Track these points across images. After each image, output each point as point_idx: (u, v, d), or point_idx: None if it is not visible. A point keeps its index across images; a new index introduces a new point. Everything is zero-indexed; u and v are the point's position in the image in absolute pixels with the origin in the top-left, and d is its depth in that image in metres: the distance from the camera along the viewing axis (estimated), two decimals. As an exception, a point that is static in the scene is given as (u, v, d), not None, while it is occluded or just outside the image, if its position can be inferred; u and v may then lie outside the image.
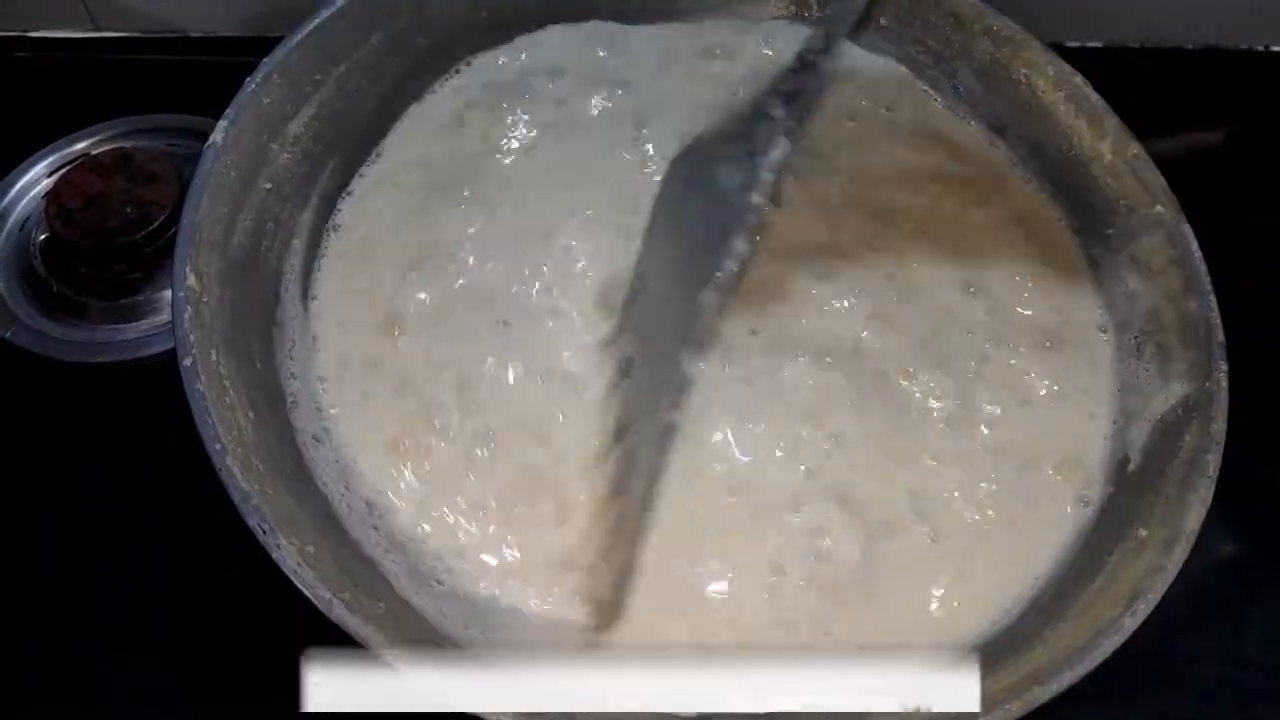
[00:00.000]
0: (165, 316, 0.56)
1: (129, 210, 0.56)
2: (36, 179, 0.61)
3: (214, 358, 0.40)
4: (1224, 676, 0.52)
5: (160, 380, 0.55)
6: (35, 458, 0.55)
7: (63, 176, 0.58)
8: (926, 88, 0.56)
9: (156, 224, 0.56)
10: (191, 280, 0.40)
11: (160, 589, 0.52)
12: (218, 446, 0.37)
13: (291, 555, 0.36)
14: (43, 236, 0.58)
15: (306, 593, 0.35)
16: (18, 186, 0.60)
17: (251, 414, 0.40)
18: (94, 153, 0.59)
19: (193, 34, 0.70)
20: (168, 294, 0.55)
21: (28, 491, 0.54)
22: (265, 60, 0.46)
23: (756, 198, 0.39)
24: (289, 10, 0.47)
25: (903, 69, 0.56)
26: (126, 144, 0.61)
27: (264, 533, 0.36)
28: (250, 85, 0.45)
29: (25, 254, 0.58)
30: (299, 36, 0.47)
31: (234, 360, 0.41)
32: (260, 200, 0.46)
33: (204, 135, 0.59)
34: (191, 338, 0.39)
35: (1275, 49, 0.72)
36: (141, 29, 0.69)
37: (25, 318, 0.56)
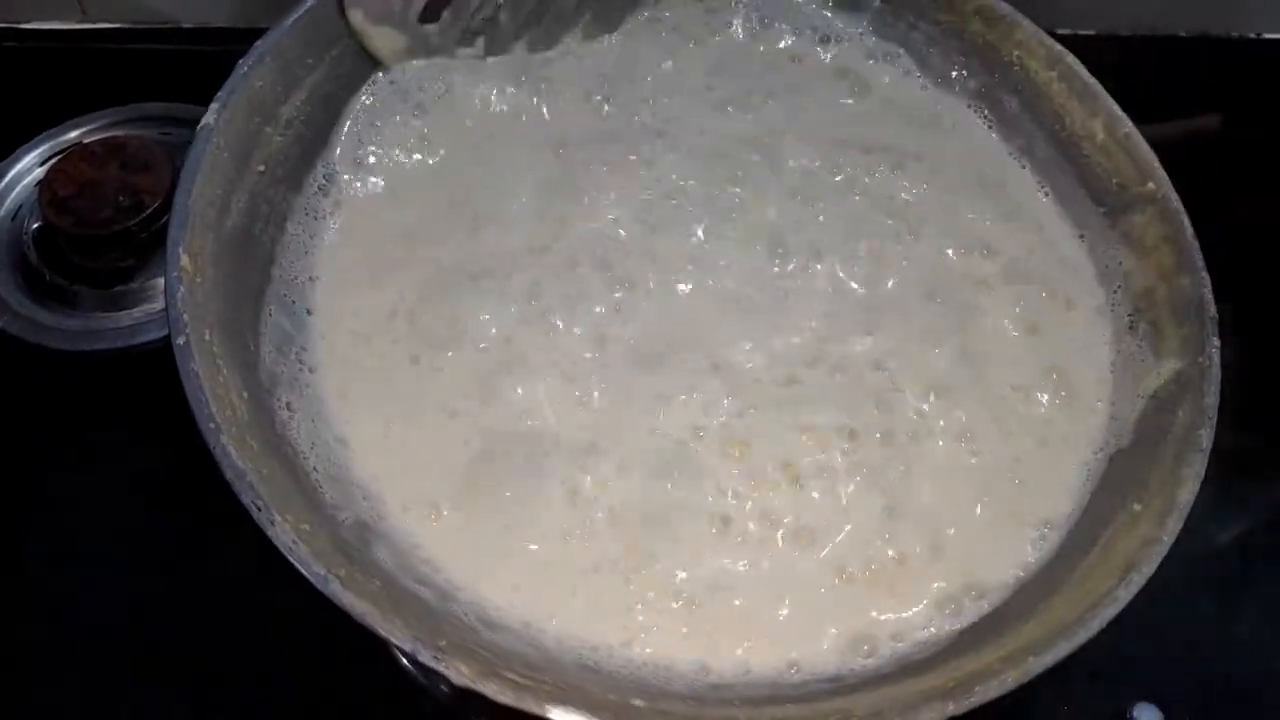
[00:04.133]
0: (158, 304, 0.56)
1: (122, 198, 0.56)
2: (29, 168, 0.61)
3: (207, 338, 0.40)
4: (1218, 656, 0.52)
5: (154, 368, 0.55)
6: (28, 446, 0.55)
7: (55, 165, 0.58)
8: (917, 73, 0.56)
9: (149, 212, 0.56)
10: (185, 261, 0.40)
11: (155, 576, 0.52)
12: (211, 425, 0.37)
13: (286, 532, 0.35)
14: (35, 225, 0.58)
15: (301, 570, 0.35)
16: (10, 175, 0.61)
17: (245, 394, 0.40)
18: (86, 141, 0.59)
19: (185, 24, 0.70)
20: (160, 282, 0.56)
21: (19, 479, 0.54)
22: (258, 43, 0.46)
23: None
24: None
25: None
26: (119, 133, 0.61)
27: (258, 510, 0.36)
28: (243, 67, 0.45)
29: (18, 243, 0.58)
30: (292, 19, 0.47)
31: (228, 341, 0.41)
32: (253, 182, 0.46)
33: (197, 124, 0.61)
34: (185, 317, 0.39)
35: (1267, 36, 0.73)
36: (134, 20, 0.70)
37: (18, 306, 0.56)
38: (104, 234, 0.56)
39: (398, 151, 0.51)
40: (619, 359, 0.46)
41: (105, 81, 0.66)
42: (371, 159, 0.51)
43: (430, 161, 0.51)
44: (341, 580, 0.35)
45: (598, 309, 0.47)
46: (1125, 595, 0.38)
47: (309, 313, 0.47)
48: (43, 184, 0.57)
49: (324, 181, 0.50)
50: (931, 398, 0.47)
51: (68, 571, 0.52)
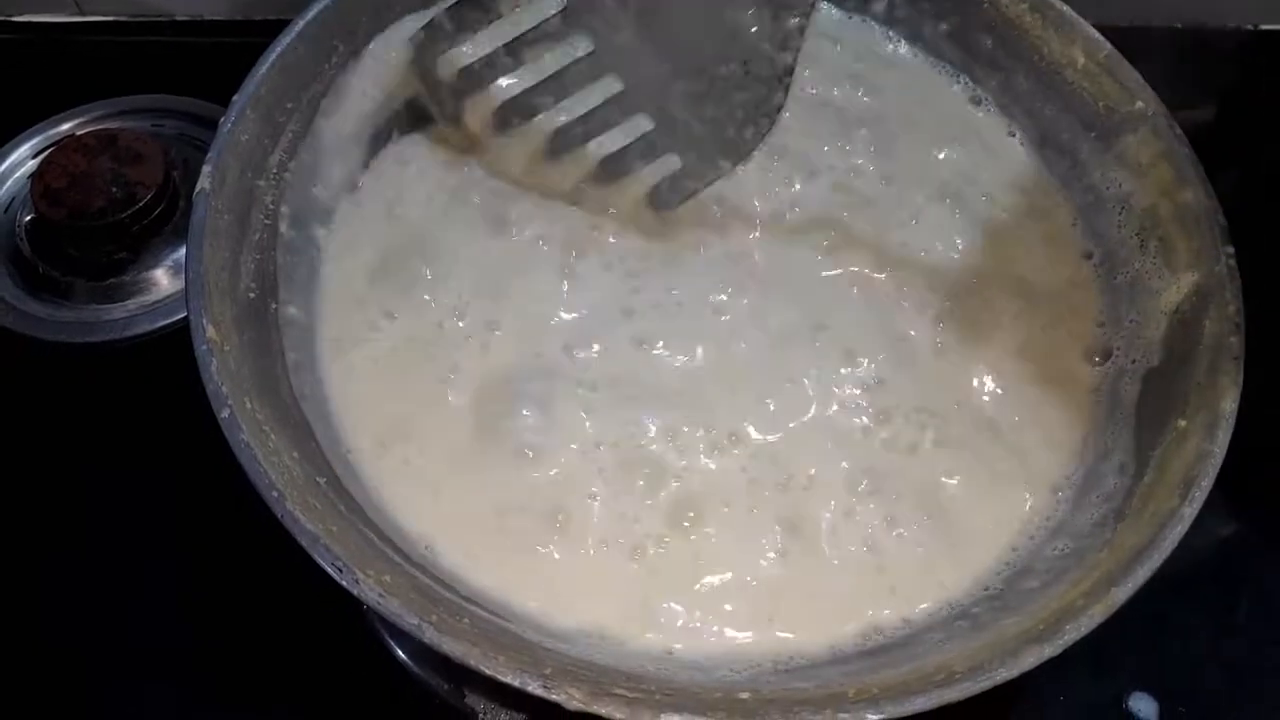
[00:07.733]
0: (152, 296, 0.57)
1: (115, 190, 0.56)
2: (21, 160, 0.61)
3: (249, 406, 0.39)
4: (1214, 647, 0.53)
5: (147, 359, 0.56)
6: (22, 438, 0.55)
7: (48, 157, 0.58)
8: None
9: (142, 203, 0.56)
10: (210, 331, 0.40)
11: (155, 568, 0.52)
12: (275, 494, 0.36)
13: (372, 589, 0.35)
14: (28, 218, 0.58)
15: (395, 621, 0.35)
16: (2, 168, 0.61)
17: (296, 453, 0.40)
18: (79, 133, 0.59)
19: (178, 17, 0.70)
20: (154, 274, 0.58)
21: (13, 471, 0.54)
22: (235, 97, 0.45)
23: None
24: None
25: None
26: (112, 125, 0.61)
27: (340, 571, 0.36)
28: (226, 125, 0.44)
29: (11, 235, 0.58)
30: (265, 66, 0.46)
31: (268, 405, 0.40)
32: (258, 239, 0.45)
33: (190, 115, 0.61)
34: (224, 389, 0.38)
35: (1265, 28, 0.73)
36: (127, 13, 0.69)
37: (11, 299, 0.57)
38: (97, 226, 0.56)
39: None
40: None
41: (98, 74, 0.66)
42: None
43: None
44: (435, 626, 0.35)
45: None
46: (1190, 512, 0.38)
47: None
48: (35, 176, 0.57)
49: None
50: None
51: (65, 565, 0.52)
